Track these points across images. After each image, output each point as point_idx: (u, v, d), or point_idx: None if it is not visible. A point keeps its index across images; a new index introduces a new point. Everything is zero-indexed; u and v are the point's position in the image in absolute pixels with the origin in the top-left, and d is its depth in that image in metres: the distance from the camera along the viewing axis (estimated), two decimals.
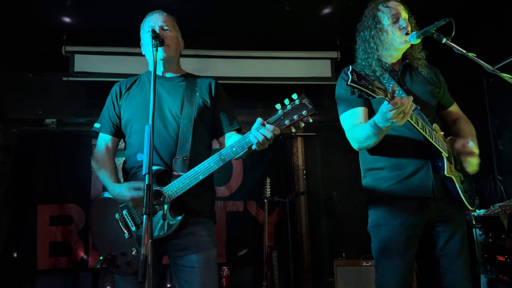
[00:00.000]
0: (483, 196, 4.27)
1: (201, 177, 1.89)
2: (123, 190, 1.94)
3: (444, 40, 1.91)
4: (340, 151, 4.26)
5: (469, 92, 4.53)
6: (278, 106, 1.72)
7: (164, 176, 1.95)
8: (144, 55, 2.27)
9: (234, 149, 1.85)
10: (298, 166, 5.19)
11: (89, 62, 4.53)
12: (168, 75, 2.22)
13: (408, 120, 1.79)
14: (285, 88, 4.73)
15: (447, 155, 2.03)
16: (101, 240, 2.08)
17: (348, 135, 2.12)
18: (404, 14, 2.17)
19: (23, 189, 4.54)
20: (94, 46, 4.52)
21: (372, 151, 2.14)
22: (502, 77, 1.82)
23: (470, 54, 1.86)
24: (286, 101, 1.71)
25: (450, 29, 1.90)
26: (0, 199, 4.52)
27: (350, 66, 1.61)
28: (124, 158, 2.19)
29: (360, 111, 2.10)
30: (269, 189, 4.46)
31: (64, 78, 4.53)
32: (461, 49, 1.88)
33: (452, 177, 2.04)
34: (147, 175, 1.48)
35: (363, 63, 2.19)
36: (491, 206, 3.56)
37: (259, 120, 1.73)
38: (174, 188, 1.90)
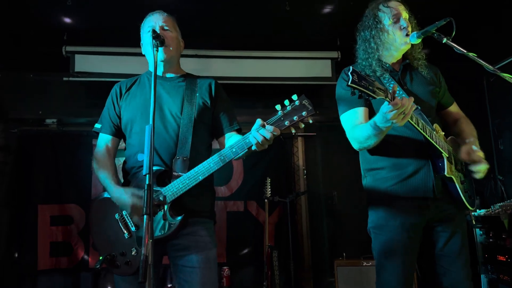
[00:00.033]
0: (483, 196, 4.27)
1: (201, 178, 1.89)
2: (124, 195, 1.93)
3: (444, 40, 1.91)
4: (341, 151, 4.25)
5: (469, 92, 4.52)
6: (278, 107, 1.72)
7: (164, 177, 1.95)
8: (144, 55, 2.27)
9: (234, 150, 1.85)
10: (299, 166, 5.18)
11: (90, 62, 4.53)
12: (168, 75, 2.22)
13: (408, 121, 1.79)
14: (285, 88, 4.73)
15: (447, 155, 2.03)
16: (101, 240, 2.08)
17: (349, 135, 2.12)
18: (405, 14, 2.17)
19: (23, 189, 4.54)
20: (94, 46, 4.52)
21: (373, 151, 2.14)
22: (503, 77, 1.82)
23: (471, 54, 1.86)
24: (286, 102, 1.71)
25: (450, 29, 1.90)
26: (0, 199, 4.52)
27: (351, 67, 1.61)
28: (124, 158, 2.19)
29: (360, 111, 2.10)
30: (269, 189, 4.46)
31: (65, 78, 4.53)
32: (462, 49, 1.88)
33: (453, 177, 2.04)
34: (147, 175, 1.48)
35: (364, 63, 2.19)
36: (492, 206, 3.56)
37: (258, 121, 1.73)
38: (174, 188, 1.90)
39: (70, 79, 4.50)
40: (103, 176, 2.07)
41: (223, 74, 4.63)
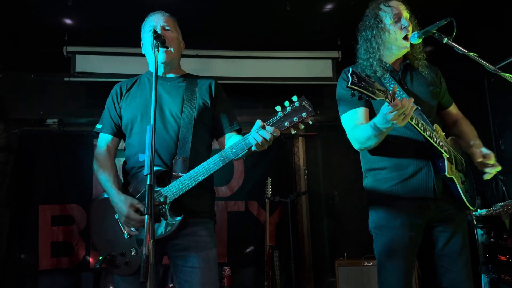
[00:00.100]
0: (484, 196, 4.26)
1: (200, 178, 1.89)
2: (123, 204, 1.93)
3: (445, 40, 1.92)
4: (341, 151, 4.27)
5: (470, 92, 4.52)
6: (278, 108, 1.73)
7: (164, 177, 1.96)
8: (144, 55, 2.28)
9: (234, 150, 1.85)
10: (299, 166, 5.18)
11: (90, 63, 4.53)
12: (168, 75, 2.23)
13: (408, 121, 1.79)
14: (286, 88, 4.73)
15: (447, 156, 2.03)
16: (101, 240, 2.09)
17: (349, 135, 2.12)
18: (406, 14, 2.17)
19: (24, 189, 4.54)
20: (95, 46, 4.53)
21: (373, 151, 2.14)
22: (504, 77, 1.82)
23: (472, 54, 1.86)
24: (286, 103, 1.71)
25: (451, 29, 1.90)
26: (1, 199, 4.52)
27: (350, 68, 1.61)
28: (124, 158, 2.19)
29: (361, 112, 2.10)
30: (270, 189, 4.46)
31: (66, 79, 4.54)
32: (462, 49, 1.88)
33: (453, 177, 2.04)
34: (149, 176, 1.48)
35: (365, 63, 2.19)
36: (493, 206, 3.56)
37: (258, 122, 1.73)
38: (174, 189, 1.90)
39: (71, 79, 4.51)
40: (104, 179, 2.07)
41: (223, 74, 4.64)
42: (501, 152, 4.18)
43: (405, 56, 2.25)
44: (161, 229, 1.92)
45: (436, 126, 2.11)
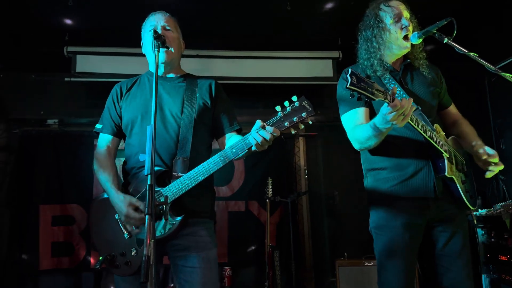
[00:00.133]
0: (485, 196, 4.26)
1: (201, 178, 1.89)
2: (122, 203, 1.93)
3: (445, 40, 1.92)
4: (342, 151, 4.27)
5: (470, 92, 4.52)
6: (277, 108, 1.73)
7: (164, 177, 1.96)
8: (145, 56, 2.28)
9: (234, 151, 1.85)
10: (300, 166, 5.18)
11: (91, 63, 4.54)
12: (169, 75, 2.23)
13: (408, 122, 1.79)
14: (286, 88, 4.73)
15: (448, 156, 2.03)
16: (101, 240, 2.09)
17: (350, 135, 2.12)
18: (406, 14, 2.17)
19: (25, 190, 4.55)
20: (95, 46, 4.53)
21: (374, 151, 2.14)
22: (504, 77, 1.82)
23: (472, 54, 1.86)
24: (286, 103, 1.72)
25: (451, 29, 1.89)
26: (2, 199, 4.53)
27: (349, 69, 1.61)
28: (124, 158, 2.19)
29: (361, 112, 2.10)
30: (271, 189, 4.46)
31: (66, 79, 4.55)
32: (463, 49, 1.88)
33: (453, 177, 2.03)
34: (149, 176, 1.48)
35: (365, 62, 2.19)
36: (493, 206, 3.56)
37: (258, 122, 1.73)
38: (174, 189, 1.91)
39: (72, 79, 4.52)
40: (104, 178, 2.07)
41: (224, 74, 4.64)
42: (502, 152, 4.18)
43: (406, 56, 2.25)
44: (161, 229, 1.92)
45: (436, 126, 2.11)
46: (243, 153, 1.85)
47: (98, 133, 2.23)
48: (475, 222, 3.65)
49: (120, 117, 2.19)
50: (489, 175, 2.16)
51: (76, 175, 4.65)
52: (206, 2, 3.88)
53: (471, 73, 4.08)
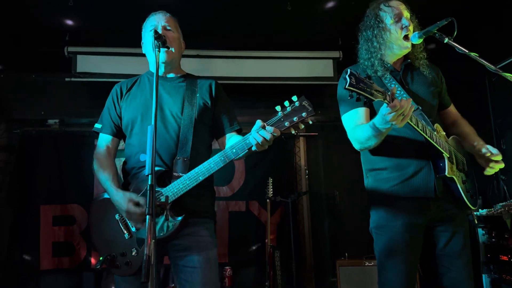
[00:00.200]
0: (486, 196, 4.26)
1: (201, 178, 1.89)
2: (122, 199, 1.94)
3: (446, 40, 1.92)
4: (342, 151, 4.25)
5: (471, 91, 4.52)
6: (278, 108, 1.73)
7: (165, 177, 1.96)
8: (145, 55, 2.28)
9: (234, 150, 1.86)
10: (300, 166, 5.18)
11: (92, 63, 4.54)
12: (169, 75, 2.23)
13: (408, 122, 1.79)
14: (287, 88, 4.73)
15: (448, 156, 2.03)
16: (101, 241, 2.09)
17: (350, 135, 2.12)
18: (406, 14, 2.17)
19: (25, 190, 4.55)
20: (96, 46, 4.54)
21: (374, 151, 2.14)
22: (505, 77, 1.82)
23: (473, 54, 1.86)
24: (286, 103, 1.72)
25: (451, 29, 1.89)
26: (3, 200, 4.53)
27: (348, 69, 1.61)
28: (124, 159, 2.19)
29: (361, 112, 2.10)
30: (271, 189, 4.46)
31: (67, 79, 4.55)
32: (463, 49, 1.88)
33: (454, 177, 2.04)
34: (150, 176, 1.49)
35: (366, 62, 2.19)
36: (494, 206, 3.55)
37: (258, 122, 1.74)
38: (175, 189, 1.91)
39: (72, 79, 4.52)
40: (104, 178, 2.07)
41: (224, 74, 4.64)
42: (503, 152, 4.12)
43: (406, 56, 2.25)
44: (161, 229, 1.92)
45: (437, 126, 2.11)
46: (243, 153, 1.86)
47: (97, 133, 2.23)
48: (476, 222, 3.64)
49: (120, 118, 2.19)
50: (489, 172, 2.16)
51: (77, 175, 4.64)
52: (206, 2, 3.88)
53: (471, 73, 4.08)
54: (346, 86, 1.56)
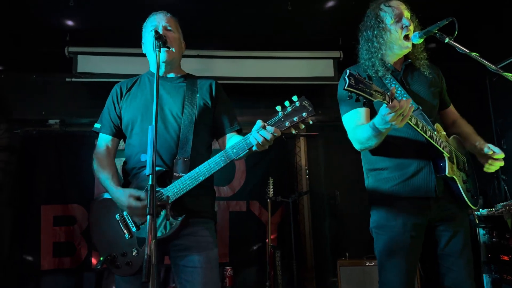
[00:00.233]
0: (487, 196, 4.26)
1: (201, 178, 1.89)
2: (123, 196, 1.94)
3: (447, 40, 1.92)
4: (343, 150, 4.26)
5: (471, 91, 4.52)
6: (278, 108, 1.73)
7: (165, 177, 1.96)
8: (146, 56, 2.28)
9: (235, 151, 1.86)
10: (301, 166, 5.18)
11: (92, 63, 4.54)
12: (169, 75, 2.23)
13: (407, 122, 1.79)
14: (287, 88, 4.73)
15: (448, 155, 2.03)
16: (101, 241, 2.09)
17: (350, 135, 2.12)
18: (407, 14, 2.17)
19: (26, 190, 4.55)
20: (96, 47, 4.54)
21: (374, 151, 2.14)
22: (505, 76, 1.82)
23: (473, 54, 1.86)
24: (286, 103, 1.72)
25: (452, 29, 1.89)
26: (3, 200, 4.53)
27: (348, 70, 1.61)
28: (124, 159, 2.19)
29: (362, 112, 2.10)
30: (272, 189, 4.46)
31: (67, 79, 4.55)
32: (464, 49, 1.88)
33: (454, 177, 2.04)
34: (150, 176, 1.49)
35: (366, 62, 2.19)
36: (495, 206, 3.55)
37: (259, 122, 1.74)
38: (175, 189, 1.91)
39: (73, 79, 4.52)
40: (104, 177, 2.08)
41: (225, 74, 4.64)
42: (504, 152, 4.17)
43: (407, 56, 2.25)
44: (162, 229, 1.92)
45: (437, 125, 2.11)
46: (244, 153, 1.86)
47: (97, 133, 2.23)
48: (477, 222, 3.64)
49: (120, 118, 2.19)
50: (490, 169, 2.16)
51: (78, 175, 4.65)
52: (206, 2, 3.88)
53: (472, 73, 4.08)
54: (345, 87, 1.56)
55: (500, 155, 2.12)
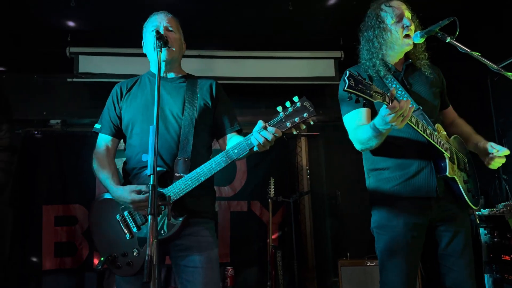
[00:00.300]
0: (488, 196, 4.26)
1: (202, 179, 1.90)
2: (124, 193, 1.95)
3: (448, 39, 1.92)
4: (344, 150, 4.26)
5: (473, 91, 4.52)
6: (279, 108, 1.74)
7: (166, 177, 1.96)
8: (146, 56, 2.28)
9: (236, 151, 1.86)
10: (302, 166, 5.18)
11: (93, 63, 4.55)
12: (169, 75, 2.23)
13: (408, 122, 1.79)
14: (288, 88, 4.74)
15: (449, 156, 2.03)
16: (102, 241, 2.10)
17: (351, 136, 2.12)
18: (408, 14, 2.17)
19: (28, 190, 4.56)
20: (98, 47, 4.54)
21: (375, 151, 2.14)
22: (507, 76, 1.82)
23: (475, 53, 1.86)
24: (288, 104, 1.72)
25: (453, 29, 1.89)
26: (5, 200, 4.54)
27: (347, 71, 1.61)
28: (124, 159, 2.20)
29: (363, 112, 2.10)
30: (273, 189, 4.46)
31: (69, 79, 4.55)
32: (466, 48, 1.88)
33: (455, 177, 2.03)
34: (152, 176, 1.49)
35: (367, 63, 2.19)
36: (496, 206, 3.55)
37: (260, 122, 1.74)
38: (176, 189, 1.91)
39: (74, 80, 4.52)
40: (104, 176, 2.08)
41: (226, 74, 4.64)
42: None
43: (407, 56, 2.25)
44: (163, 229, 1.92)
45: (438, 125, 2.11)
46: (245, 153, 1.86)
47: (96, 133, 2.23)
48: (478, 222, 3.64)
49: (120, 118, 2.20)
50: (494, 166, 2.16)
51: (79, 175, 4.65)
52: (206, 2, 3.88)
53: (473, 73, 4.08)
54: (345, 88, 1.56)
55: (505, 152, 2.11)
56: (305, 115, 1.69)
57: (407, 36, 2.11)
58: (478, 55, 1.85)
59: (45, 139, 4.72)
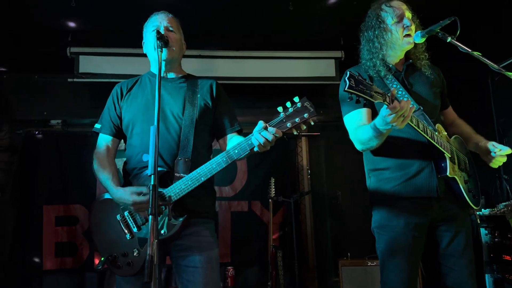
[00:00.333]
0: (489, 196, 4.25)
1: (203, 179, 1.90)
2: (125, 194, 1.95)
3: (449, 39, 1.92)
4: (344, 150, 4.23)
5: (473, 91, 4.51)
6: (279, 109, 1.73)
7: (166, 178, 1.96)
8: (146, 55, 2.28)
9: (236, 151, 1.86)
10: (303, 166, 5.18)
11: (94, 63, 4.55)
12: (169, 75, 2.23)
13: (408, 123, 1.78)
14: (289, 88, 4.74)
15: (449, 156, 2.03)
16: (102, 241, 2.10)
17: (352, 136, 2.12)
18: (408, 14, 2.17)
19: (28, 190, 4.56)
20: (98, 47, 4.54)
21: (376, 151, 2.14)
22: (508, 76, 1.82)
23: (475, 53, 1.86)
24: (288, 104, 1.72)
25: (453, 28, 1.89)
26: (6, 200, 4.54)
27: (348, 71, 1.61)
28: (124, 159, 2.20)
29: (363, 112, 2.10)
30: (273, 189, 4.46)
31: (69, 79, 4.55)
32: (466, 48, 1.88)
33: (455, 177, 2.03)
34: (152, 176, 1.49)
35: (368, 63, 2.19)
36: (497, 206, 3.55)
37: (261, 123, 1.74)
38: (177, 189, 1.91)
39: (75, 80, 4.53)
40: (104, 177, 2.08)
41: (226, 74, 4.65)
42: None
43: (408, 56, 2.24)
44: (164, 229, 1.92)
45: (438, 126, 2.10)
46: (245, 154, 1.86)
47: (97, 133, 2.23)
48: (479, 222, 3.64)
49: (120, 118, 2.20)
50: (495, 164, 2.16)
51: (79, 175, 4.65)
52: (206, 2, 3.88)
53: (474, 72, 4.07)
54: (345, 89, 1.56)
55: (507, 151, 2.11)
56: (306, 115, 1.69)
57: (407, 36, 2.11)
58: (479, 54, 1.85)
59: (46, 139, 4.73)
